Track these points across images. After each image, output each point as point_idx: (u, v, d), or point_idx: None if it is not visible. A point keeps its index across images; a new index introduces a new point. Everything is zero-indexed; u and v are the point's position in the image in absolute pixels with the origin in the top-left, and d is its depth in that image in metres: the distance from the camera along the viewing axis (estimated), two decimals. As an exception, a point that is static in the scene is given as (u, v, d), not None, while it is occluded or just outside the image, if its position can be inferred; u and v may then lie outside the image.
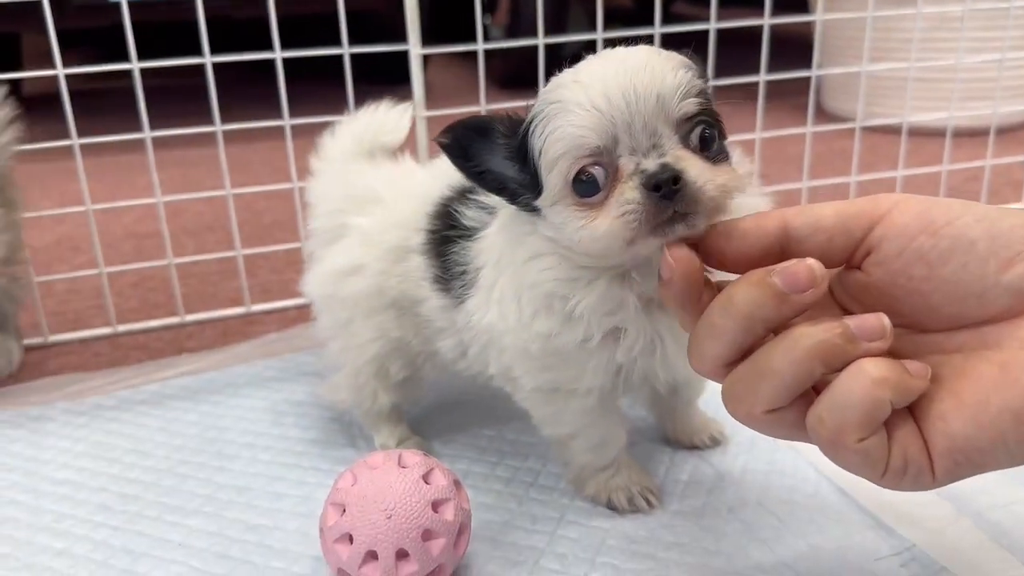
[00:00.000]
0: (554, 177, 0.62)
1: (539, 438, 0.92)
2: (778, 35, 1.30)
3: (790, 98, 1.61)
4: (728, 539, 0.78)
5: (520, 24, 2.60)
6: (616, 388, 0.75)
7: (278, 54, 1.18)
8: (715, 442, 0.91)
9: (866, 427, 0.52)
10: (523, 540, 0.79)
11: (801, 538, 0.77)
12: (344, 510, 0.71)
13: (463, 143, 0.66)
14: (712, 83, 1.27)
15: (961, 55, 1.46)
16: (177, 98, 1.16)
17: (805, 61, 1.37)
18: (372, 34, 2.47)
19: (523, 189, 0.67)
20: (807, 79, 1.37)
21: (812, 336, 0.53)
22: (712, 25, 1.27)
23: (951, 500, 0.81)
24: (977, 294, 0.53)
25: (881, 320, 0.54)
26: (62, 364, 1.17)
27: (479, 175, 0.67)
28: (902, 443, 0.52)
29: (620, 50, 0.63)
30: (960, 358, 0.54)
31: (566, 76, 0.63)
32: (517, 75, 1.27)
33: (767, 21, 1.31)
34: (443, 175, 0.84)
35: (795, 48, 1.41)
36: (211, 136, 1.18)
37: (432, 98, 1.22)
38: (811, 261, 0.54)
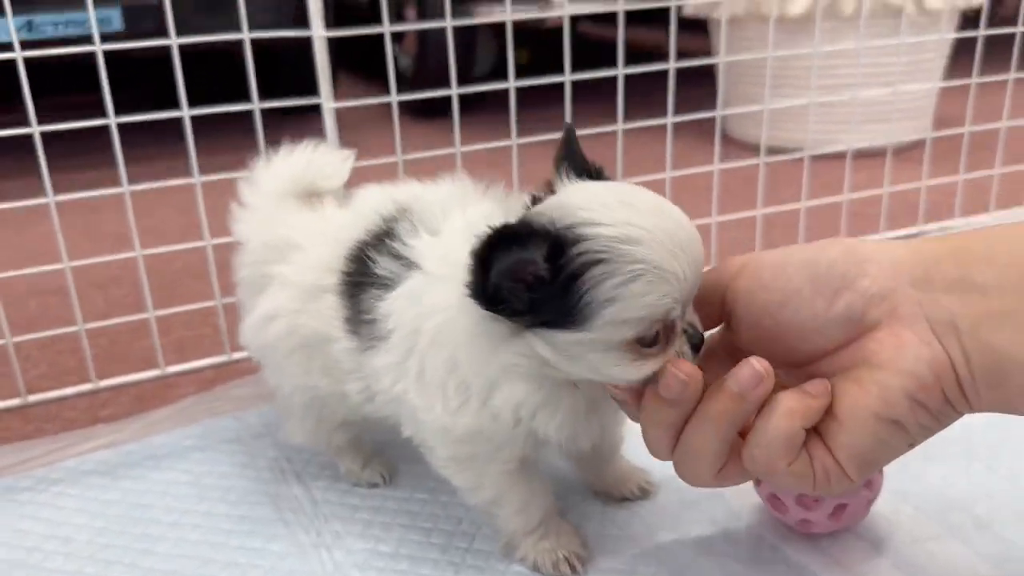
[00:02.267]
0: (620, 329, 0.64)
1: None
2: (682, 53, 1.33)
3: (695, 124, 1.65)
4: (663, 594, 0.80)
5: (428, 52, 2.60)
6: (536, 454, 0.79)
7: (185, 112, 1.15)
8: (644, 492, 0.93)
9: (790, 453, 0.63)
10: (464, 611, 0.80)
11: (732, 590, 0.80)
12: None
13: (495, 245, 0.63)
14: (625, 126, 1.31)
15: (856, 89, 1.53)
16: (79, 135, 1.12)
17: (709, 80, 1.40)
18: (280, 64, 2.45)
19: (540, 311, 0.65)
20: (709, 90, 1.40)
21: (714, 409, 0.64)
22: (620, 71, 1.30)
23: (869, 540, 0.85)
24: (817, 329, 0.65)
25: (753, 367, 0.63)
26: (-33, 441, 1.12)
27: (483, 273, 0.64)
28: (819, 458, 0.64)
29: (666, 204, 0.67)
30: (832, 385, 0.64)
31: (634, 224, 0.63)
32: (428, 105, 1.27)
33: (672, 65, 1.34)
34: (361, 218, 0.85)
35: (701, 76, 1.44)
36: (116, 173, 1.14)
37: (343, 128, 1.20)
38: (678, 366, 0.64)
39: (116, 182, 1.12)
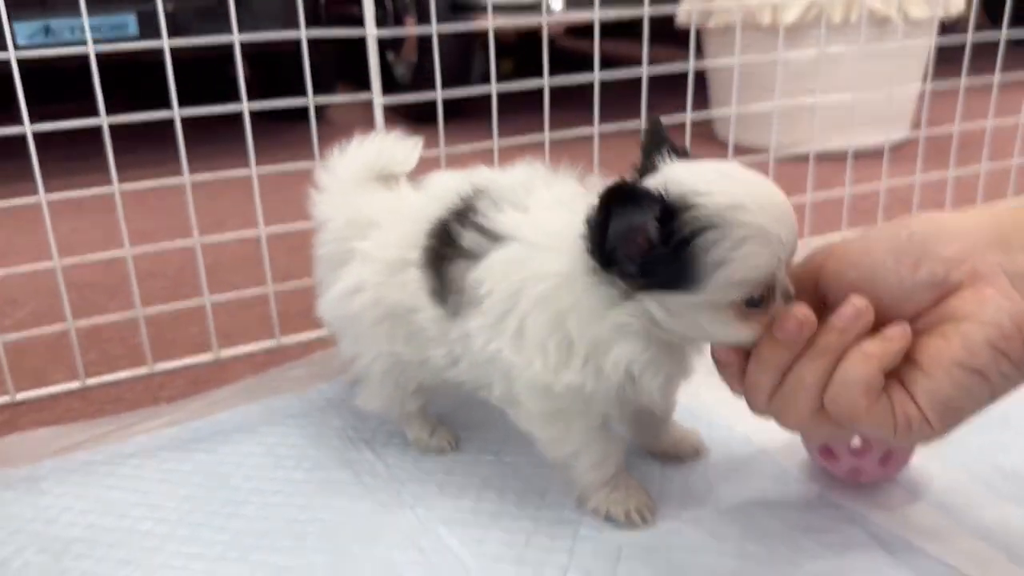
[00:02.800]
0: (731, 290, 0.70)
1: (537, 458, 1.00)
2: (673, 74, 1.42)
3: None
4: (733, 541, 0.87)
5: (428, 61, 2.67)
6: (619, 412, 0.86)
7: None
8: (697, 452, 1.00)
9: (868, 395, 0.68)
10: (547, 558, 0.86)
11: (800, 536, 0.87)
12: None
13: (612, 202, 0.70)
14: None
15: (850, 82, 1.63)
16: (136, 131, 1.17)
17: (700, 88, 1.46)
18: (283, 71, 2.49)
19: (653, 274, 0.72)
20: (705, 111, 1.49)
21: (819, 344, 0.70)
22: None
23: (906, 488, 0.93)
24: (904, 297, 0.71)
25: (854, 306, 0.70)
26: (35, 421, 1.16)
27: (601, 234, 0.71)
28: (900, 405, 0.68)
29: (761, 177, 0.73)
30: (918, 340, 0.70)
31: (739, 193, 0.70)
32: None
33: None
34: (438, 198, 0.92)
35: (681, 77, 1.50)
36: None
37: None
38: (795, 310, 0.71)
39: (177, 173, 1.18)
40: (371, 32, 1.23)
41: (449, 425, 1.07)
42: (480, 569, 0.85)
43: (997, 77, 1.69)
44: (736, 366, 0.75)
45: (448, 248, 0.87)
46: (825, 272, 0.76)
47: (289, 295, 1.27)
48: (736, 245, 0.69)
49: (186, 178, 1.19)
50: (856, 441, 0.90)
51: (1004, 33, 1.67)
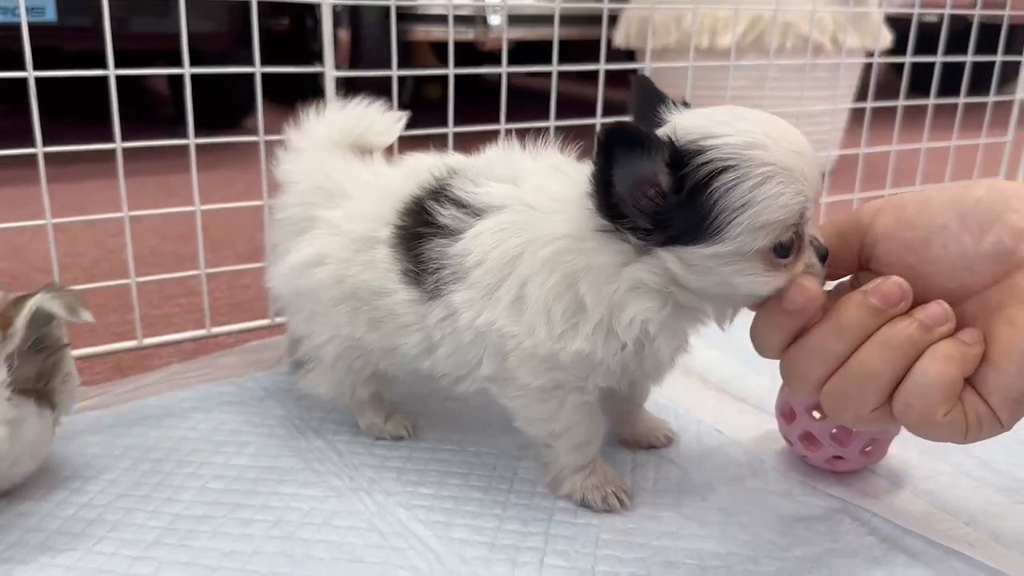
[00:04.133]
0: (757, 236, 0.64)
1: (500, 448, 0.94)
2: (610, 103, 1.41)
3: None
4: (712, 525, 0.82)
5: (361, 66, 2.61)
6: (619, 386, 0.81)
7: (186, 69, 1.13)
8: (668, 440, 0.96)
9: (948, 401, 0.61)
10: (521, 542, 0.79)
11: (785, 522, 0.83)
12: None
13: (614, 145, 0.63)
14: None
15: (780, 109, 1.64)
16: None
17: None
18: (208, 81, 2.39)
19: (668, 226, 0.65)
20: None
21: (899, 335, 0.62)
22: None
23: (886, 477, 0.90)
24: (966, 266, 0.64)
25: (942, 306, 0.63)
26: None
27: (605, 185, 0.65)
28: (971, 404, 0.62)
29: (773, 116, 0.67)
30: (980, 324, 0.63)
31: (755, 132, 0.64)
32: None
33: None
34: (411, 174, 0.87)
35: (625, 112, 1.50)
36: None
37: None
38: (896, 279, 0.63)
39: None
40: (326, 1, 1.17)
41: (406, 411, 1.00)
42: (449, 553, 0.77)
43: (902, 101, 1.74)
44: (782, 336, 0.67)
45: (424, 227, 0.81)
46: (875, 229, 0.68)
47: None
48: (757, 185, 0.63)
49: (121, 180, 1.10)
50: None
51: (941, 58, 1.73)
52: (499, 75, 1.29)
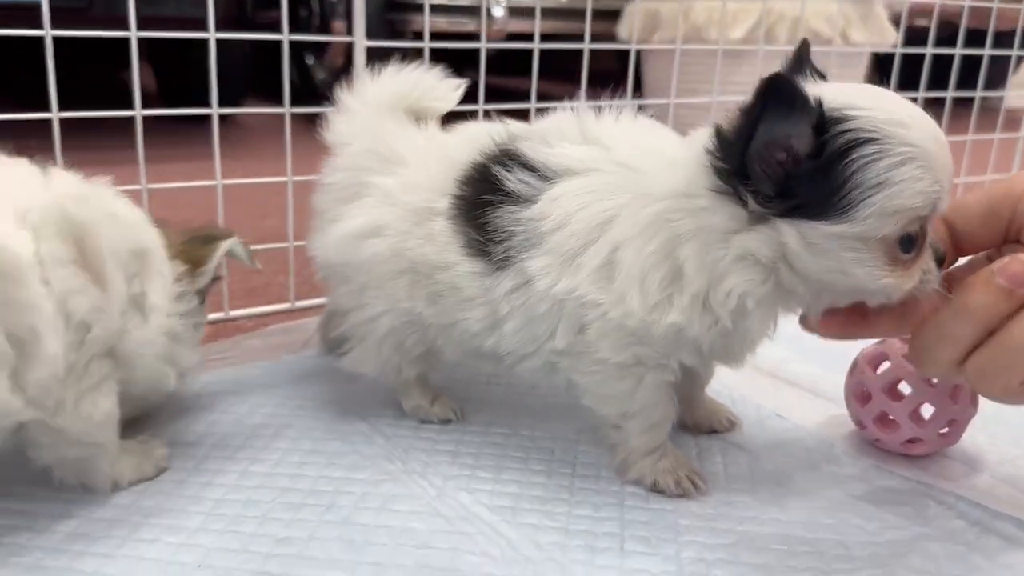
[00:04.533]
0: (887, 221, 0.61)
1: (555, 432, 0.89)
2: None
3: None
4: (794, 510, 0.78)
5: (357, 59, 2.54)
6: (701, 365, 0.78)
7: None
8: (732, 424, 0.91)
9: None
10: (595, 527, 0.74)
11: (870, 507, 0.78)
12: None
13: (770, 98, 0.58)
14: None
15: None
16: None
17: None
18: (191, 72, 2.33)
19: (795, 194, 0.61)
20: None
21: None
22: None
23: (962, 461, 0.86)
24: None
25: None
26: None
27: (747, 138, 0.60)
28: None
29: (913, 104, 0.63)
30: None
31: (899, 111, 0.61)
32: None
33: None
34: (470, 141, 0.82)
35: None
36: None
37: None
38: (1022, 257, 0.60)
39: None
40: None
41: (449, 397, 0.94)
42: (522, 539, 0.72)
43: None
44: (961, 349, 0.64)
45: (490, 194, 0.76)
46: None
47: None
48: (897, 164, 0.59)
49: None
50: (923, 405, 0.83)
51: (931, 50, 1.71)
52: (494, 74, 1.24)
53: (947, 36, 1.80)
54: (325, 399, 0.95)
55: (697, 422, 0.91)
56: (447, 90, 0.91)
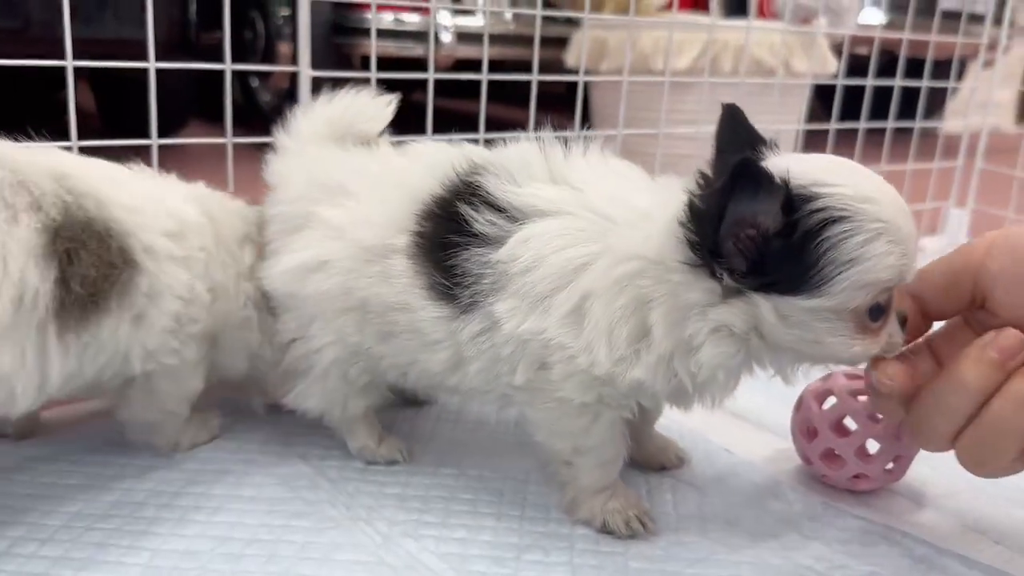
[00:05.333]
0: (858, 294, 0.62)
1: (501, 471, 0.87)
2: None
3: None
4: (743, 550, 0.77)
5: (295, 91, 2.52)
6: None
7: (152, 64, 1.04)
8: (681, 460, 0.91)
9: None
10: (546, 573, 0.73)
11: (820, 546, 0.78)
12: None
13: (739, 180, 0.60)
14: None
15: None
16: None
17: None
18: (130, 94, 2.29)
19: (768, 271, 0.63)
20: None
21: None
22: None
23: (907, 496, 0.87)
24: None
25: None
26: None
27: (718, 219, 0.62)
28: None
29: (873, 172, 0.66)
30: None
31: (868, 187, 0.63)
32: None
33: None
34: (430, 169, 0.79)
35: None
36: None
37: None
38: (1013, 331, 0.62)
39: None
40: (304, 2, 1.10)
41: (398, 436, 0.92)
42: (471, 588, 0.70)
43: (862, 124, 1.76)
44: (900, 392, 0.68)
45: (455, 235, 0.74)
46: (988, 268, 0.67)
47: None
48: (868, 240, 0.61)
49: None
50: (868, 442, 0.84)
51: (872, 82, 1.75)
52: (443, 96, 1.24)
53: (886, 63, 1.85)
54: (265, 441, 0.92)
55: (646, 458, 0.90)
56: (378, 109, 0.90)
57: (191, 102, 2.56)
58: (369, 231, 0.78)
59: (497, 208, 0.73)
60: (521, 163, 0.76)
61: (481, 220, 0.73)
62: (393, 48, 2.32)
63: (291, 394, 0.88)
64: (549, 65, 1.43)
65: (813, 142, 1.73)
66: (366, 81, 1.19)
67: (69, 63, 1.00)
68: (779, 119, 2.19)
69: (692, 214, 0.63)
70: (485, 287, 0.72)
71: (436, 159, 0.80)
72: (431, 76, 1.24)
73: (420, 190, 0.77)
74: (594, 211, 0.71)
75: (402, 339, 0.78)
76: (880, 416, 0.83)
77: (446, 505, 0.82)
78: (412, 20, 2.41)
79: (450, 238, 0.74)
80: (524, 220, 0.72)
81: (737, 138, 0.69)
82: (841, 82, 1.76)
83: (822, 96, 1.89)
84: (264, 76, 2.71)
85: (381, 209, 0.79)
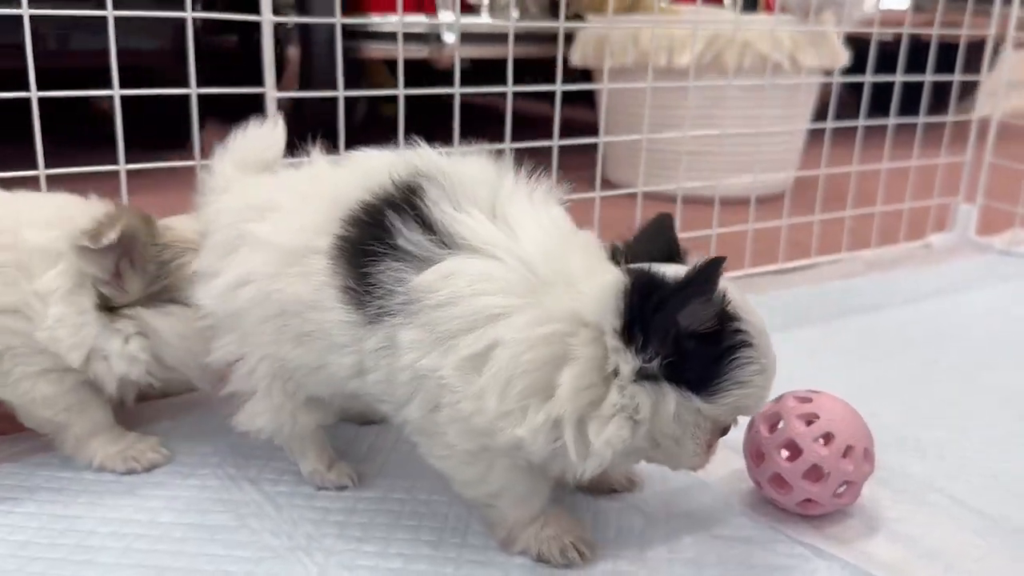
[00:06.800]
0: (731, 412, 0.72)
1: (453, 494, 0.87)
2: (566, 122, 1.39)
3: (578, 171, 1.69)
4: (680, 579, 0.77)
5: (312, 85, 2.53)
6: None
7: (116, 92, 1.06)
8: (632, 483, 0.90)
9: None
10: (476, 605, 0.73)
11: (747, 571, 0.78)
12: (815, 417, 0.82)
13: (694, 283, 0.66)
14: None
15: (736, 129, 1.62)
16: None
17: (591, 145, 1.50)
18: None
19: (685, 368, 0.68)
20: (593, 157, 1.50)
21: None
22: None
23: (860, 520, 0.86)
24: None
25: None
26: None
27: (670, 313, 0.66)
28: None
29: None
30: None
31: (761, 324, 0.72)
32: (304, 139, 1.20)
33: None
34: (364, 177, 0.78)
35: (582, 134, 1.47)
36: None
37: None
38: None
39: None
40: (267, 18, 1.11)
41: (352, 458, 0.93)
42: (396, 622, 0.71)
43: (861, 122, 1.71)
44: None
45: (377, 242, 0.73)
46: None
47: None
48: (758, 372, 0.70)
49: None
50: (815, 466, 0.82)
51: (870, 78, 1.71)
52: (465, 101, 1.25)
53: (919, 48, 1.78)
54: (219, 463, 0.94)
55: (595, 483, 0.89)
56: (270, 135, 0.93)
57: (206, 102, 2.59)
58: (291, 235, 0.78)
59: (428, 227, 0.72)
60: (469, 184, 0.74)
61: (407, 236, 0.72)
62: (396, 51, 2.32)
63: (239, 417, 0.87)
64: (553, 62, 1.42)
65: (838, 134, 1.69)
66: (333, 99, 1.20)
67: (34, 94, 1.02)
68: (787, 114, 2.16)
69: (639, 293, 0.67)
70: (394, 305, 0.71)
71: (372, 166, 0.79)
72: (401, 92, 1.24)
73: (348, 197, 0.76)
74: (524, 263, 0.70)
75: (314, 341, 0.77)
76: (827, 441, 0.81)
77: (387, 532, 0.82)
78: (419, 21, 2.41)
79: (371, 246, 0.73)
80: (451, 250, 0.71)
81: (658, 241, 0.77)
82: (869, 79, 1.70)
83: (853, 89, 1.83)
84: (278, 80, 2.73)
85: (306, 214, 0.78)
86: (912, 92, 1.77)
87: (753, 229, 1.60)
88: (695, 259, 0.76)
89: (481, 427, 0.69)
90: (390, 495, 0.89)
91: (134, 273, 0.89)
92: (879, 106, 1.77)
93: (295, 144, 0.92)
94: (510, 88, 1.33)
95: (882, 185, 1.76)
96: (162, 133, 2.04)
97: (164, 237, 0.91)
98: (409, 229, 0.72)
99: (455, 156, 0.79)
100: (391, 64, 3.31)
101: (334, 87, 1.21)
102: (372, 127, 1.15)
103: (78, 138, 0.97)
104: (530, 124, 1.48)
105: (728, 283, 0.70)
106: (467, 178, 0.75)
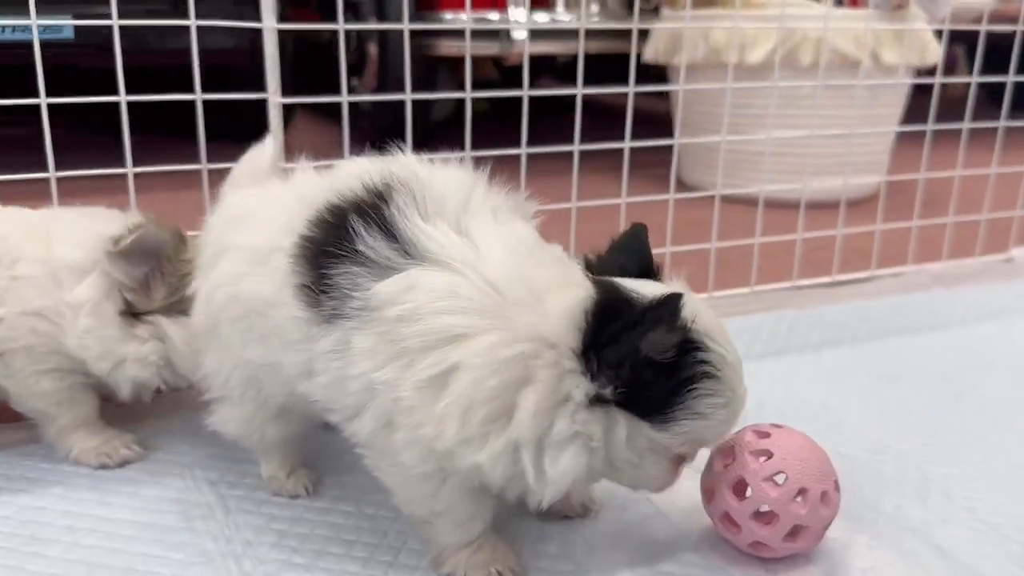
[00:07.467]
0: (690, 443, 0.71)
1: (396, 511, 0.86)
2: (639, 114, 1.34)
3: (651, 170, 1.64)
4: (601, 617, 0.73)
5: (387, 88, 2.57)
6: None
7: (123, 97, 1.10)
8: (585, 510, 0.87)
9: None
10: (384, 627, 0.72)
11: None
12: (769, 455, 0.78)
13: (658, 311, 0.65)
14: (581, 147, 1.29)
15: (813, 129, 1.52)
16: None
17: (665, 137, 1.42)
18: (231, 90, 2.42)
19: (640, 396, 0.66)
20: (667, 154, 1.42)
21: None
22: (579, 91, 1.28)
23: (819, 566, 0.80)
24: None
25: None
26: None
27: (633, 341, 0.65)
28: None
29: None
30: None
31: (732, 355, 0.70)
32: (385, 136, 1.21)
33: (631, 89, 1.33)
34: (333, 183, 0.77)
35: (655, 126, 1.43)
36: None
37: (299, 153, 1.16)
38: None
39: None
40: (268, 25, 1.12)
41: (314, 468, 0.93)
42: (300, 639, 0.70)
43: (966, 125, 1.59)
44: None
45: (337, 244, 0.72)
46: None
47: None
48: (720, 406, 0.68)
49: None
50: (763, 507, 0.77)
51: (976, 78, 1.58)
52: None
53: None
54: (189, 464, 0.96)
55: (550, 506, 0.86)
56: (260, 157, 0.94)
57: (295, 84, 2.67)
58: (260, 236, 0.78)
59: (391, 234, 0.71)
60: (440, 193, 0.73)
61: (368, 241, 0.70)
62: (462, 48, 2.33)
63: (213, 418, 0.88)
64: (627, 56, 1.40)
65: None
66: (337, 105, 1.20)
67: (43, 100, 1.06)
68: (870, 115, 2.04)
69: (599, 315, 0.65)
70: (349, 309, 0.70)
71: (350, 172, 0.78)
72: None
73: (317, 199, 0.76)
74: (490, 284, 0.67)
75: (272, 338, 0.77)
76: (779, 483, 0.76)
77: (322, 545, 0.82)
78: (491, 18, 2.40)
79: (331, 247, 0.72)
80: (414, 260, 0.69)
81: (632, 254, 0.75)
82: (976, 79, 1.59)
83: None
84: (359, 75, 2.78)
85: (273, 216, 0.79)
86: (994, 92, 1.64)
87: (817, 236, 1.51)
88: (670, 278, 0.75)
89: (441, 451, 0.68)
90: (337, 507, 0.88)
91: (160, 282, 0.94)
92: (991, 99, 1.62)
93: (375, 143, 0.88)
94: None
95: (990, 191, 1.63)
96: (248, 126, 2.14)
97: (190, 252, 0.94)
98: (371, 235, 0.71)
99: (435, 163, 0.78)
100: (496, 60, 3.33)
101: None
102: (457, 124, 1.16)
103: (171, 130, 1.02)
104: (607, 115, 1.44)
105: (703, 308, 0.69)
106: (438, 188, 0.74)
